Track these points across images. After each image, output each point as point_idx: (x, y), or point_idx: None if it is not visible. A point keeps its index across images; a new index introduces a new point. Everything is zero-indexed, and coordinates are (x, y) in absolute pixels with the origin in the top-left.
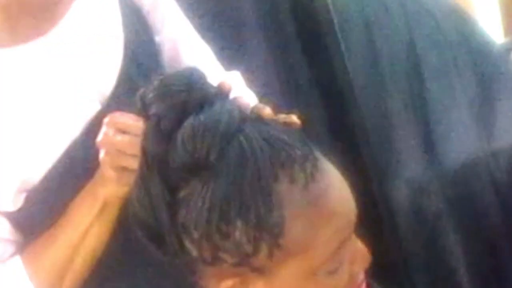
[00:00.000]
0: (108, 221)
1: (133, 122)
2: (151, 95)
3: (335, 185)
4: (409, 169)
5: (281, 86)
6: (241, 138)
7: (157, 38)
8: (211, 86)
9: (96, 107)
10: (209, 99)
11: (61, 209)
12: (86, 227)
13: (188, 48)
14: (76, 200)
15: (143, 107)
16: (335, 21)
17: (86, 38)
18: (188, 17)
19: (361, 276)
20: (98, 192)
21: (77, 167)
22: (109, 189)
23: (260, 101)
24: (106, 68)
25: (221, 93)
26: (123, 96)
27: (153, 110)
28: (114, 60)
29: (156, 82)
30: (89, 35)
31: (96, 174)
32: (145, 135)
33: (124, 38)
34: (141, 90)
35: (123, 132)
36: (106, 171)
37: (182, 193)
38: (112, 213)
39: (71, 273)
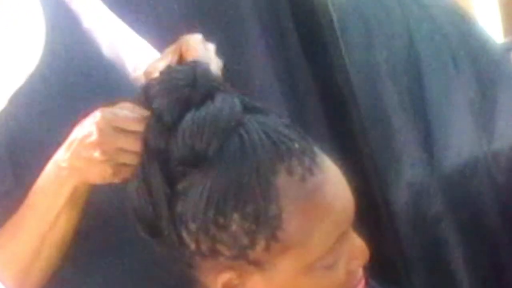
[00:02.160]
0: (78, 207)
1: (130, 118)
2: (155, 88)
3: (333, 180)
4: (409, 169)
5: (280, 87)
6: (242, 131)
7: (85, 24)
8: (215, 80)
9: (19, 82)
10: (212, 94)
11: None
12: (53, 217)
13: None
14: (39, 188)
15: (147, 100)
16: (335, 20)
17: (5, 15)
18: (186, 19)
19: (360, 272)
20: (66, 182)
21: (4, 140)
22: (80, 179)
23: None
24: (28, 44)
25: (224, 87)
26: (48, 71)
27: (156, 103)
28: (36, 35)
29: (161, 75)
30: (8, 12)
31: (58, 162)
32: (147, 128)
33: (45, 15)
34: (146, 82)
35: (122, 130)
36: (99, 167)
37: (181, 185)
38: (82, 199)
39: (39, 264)
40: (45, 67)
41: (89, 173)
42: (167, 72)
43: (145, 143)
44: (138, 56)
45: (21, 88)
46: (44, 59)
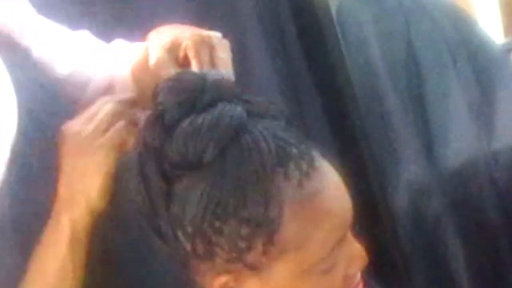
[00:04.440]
0: (81, 255)
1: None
2: (164, 85)
3: (331, 184)
4: (409, 169)
5: (281, 87)
6: (242, 138)
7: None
8: (225, 90)
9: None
10: (217, 102)
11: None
12: (56, 272)
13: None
14: (41, 242)
15: (154, 94)
16: (335, 21)
17: None
18: (187, 19)
19: (358, 277)
20: (61, 221)
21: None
22: (76, 210)
23: None
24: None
25: (233, 97)
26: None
27: (160, 99)
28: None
29: (173, 75)
30: None
31: (57, 203)
32: (147, 123)
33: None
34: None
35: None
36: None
37: (177, 187)
38: (83, 244)
39: None
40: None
41: (69, 198)
42: (180, 73)
43: (143, 138)
44: (98, 68)
45: (12, 156)
46: (19, 117)
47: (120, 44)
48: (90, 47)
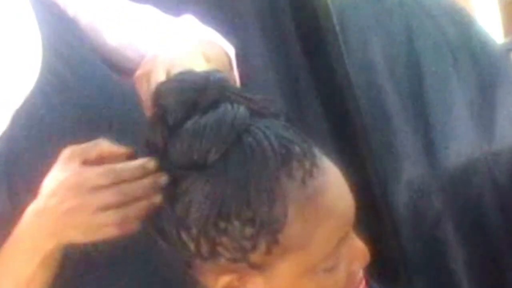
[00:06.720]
0: (52, 268)
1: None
2: (166, 85)
3: (334, 182)
4: (409, 169)
5: (281, 87)
6: (245, 138)
7: (78, 31)
8: (228, 89)
9: (19, 101)
10: (220, 102)
11: None
12: (25, 282)
13: (109, 26)
14: (10, 249)
15: (155, 94)
16: (335, 21)
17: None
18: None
19: (360, 274)
20: (39, 244)
21: (2, 163)
22: (58, 240)
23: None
24: (26, 61)
25: (236, 97)
26: (48, 87)
27: (163, 100)
28: (33, 53)
29: (175, 75)
30: (2, 32)
31: (30, 219)
32: (150, 123)
33: (41, 32)
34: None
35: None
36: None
37: (181, 187)
38: (57, 259)
39: None
40: (44, 83)
41: (54, 229)
42: (182, 74)
43: (147, 139)
44: (149, 38)
45: (22, 107)
46: (42, 75)
47: (189, 21)
48: (153, 23)
